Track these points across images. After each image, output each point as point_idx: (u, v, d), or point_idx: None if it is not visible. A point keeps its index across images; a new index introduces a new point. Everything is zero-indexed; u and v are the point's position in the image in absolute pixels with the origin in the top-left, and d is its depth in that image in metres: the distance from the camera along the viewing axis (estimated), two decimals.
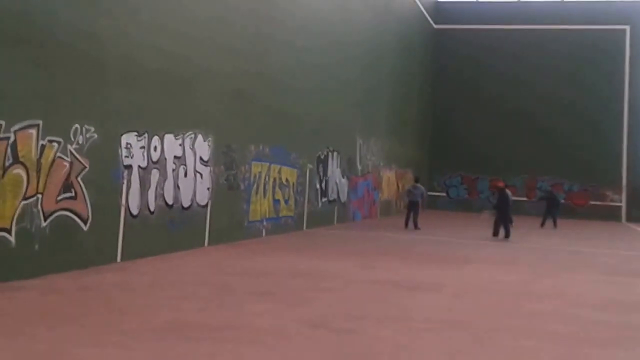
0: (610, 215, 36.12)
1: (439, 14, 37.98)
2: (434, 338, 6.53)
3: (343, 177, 22.33)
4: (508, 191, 26.40)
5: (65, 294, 8.03)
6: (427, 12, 35.81)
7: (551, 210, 25.85)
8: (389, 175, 28.71)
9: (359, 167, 24.18)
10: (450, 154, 38.08)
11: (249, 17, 14.98)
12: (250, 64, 15.09)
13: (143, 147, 11.29)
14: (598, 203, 36.83)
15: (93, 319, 6.72)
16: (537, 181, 37.48)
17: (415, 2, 32.59)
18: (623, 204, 36.69)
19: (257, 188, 15.81)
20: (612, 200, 36.93)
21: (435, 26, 37.65)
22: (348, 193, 22.93)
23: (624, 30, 35.51)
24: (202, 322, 6.71)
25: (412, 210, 21.47)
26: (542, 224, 26.03)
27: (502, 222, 19.23)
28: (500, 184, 20.82)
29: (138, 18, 11.08)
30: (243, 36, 14.75)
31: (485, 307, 8.37)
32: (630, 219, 35.87)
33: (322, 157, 20.30)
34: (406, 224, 21.51)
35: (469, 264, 12.89)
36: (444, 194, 38.43)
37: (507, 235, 19.04)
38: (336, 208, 21.77)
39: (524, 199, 37.36)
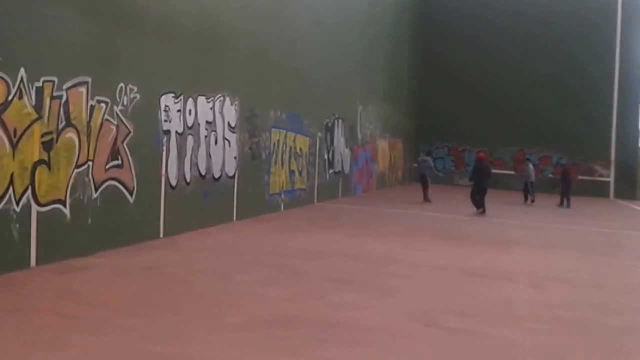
0: (598, 190, 36.40)
1: None
2: (566, 341, 6.13)
3: (346, 147, 22.00)
4: (531, 165, 26.63)
5: (137, 276, 7.56)
6: None
7: (564, 187, 25.53)
8: (383, 146, 28.49)
9: (359, 137, 23.87)
10: (438, 124, 38.01)
11: None
12: (268, 23, 14.56)
13: (179, 111, 10.75)
14: (586, 178, 37.24)
15: (188, 308, 6.29)
16: (525, 154, 37.77)
17: None
18: (611, 180, 37.21)
19: (276, 158, 15.36)
20: (600, 176, 37.39)
21: None
22: (350, 164, 22.62)
23: None
24: (303, 316, 6.28)
25: (422, 183, 22.21)
26: (568, 204, 25.17)
27: (477, 193, 19.13)
28: (481, 155, 20.50)
29: None
30: None
31: (580, 301, 8.00)
32: (618, 195, 36.36)
33: (330, 124, 19.92)
34: (424, 197, 22.36)
35: (512, 246, 12.61)
36: None
37: (477, 207, 18.95)
38: (341, 180, 21.46)
39: (512, 172, 37.73)
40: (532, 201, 25.31)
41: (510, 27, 36.86)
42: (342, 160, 21.48)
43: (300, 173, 17.17)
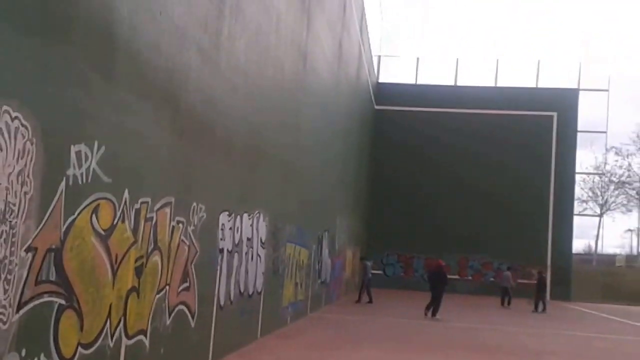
0: (535, 292, 36.66)
1: (378, 94, 38.31)
2: None
3: (329, 258, 21.23)
4: (508, 272, 27.08)
5: None
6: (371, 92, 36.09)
7: (540, 292, 25.94)
8: (349, 255, 27.84)
9: (337, 247, 23.17)
10: (388, 233, 37.74)
11: (291, 99, 13.99)
12: (293, 141, 14.03)
13: (231, 229, 9.85)
14: (525, 281, 37.48)
15: None
16: (469, 260, 37.93)
17: (367, 82, 32.75)
18: (548, 283, 37.55)
19: (287, 271, 14.44)
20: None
21: (375, 106, 37.88)
22: (330, 273, 21.79)
23: (551, 116, 37.37)
24: None
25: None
26: (544, 309, 25.50)
27: (434, 298, 19.21)
28: (440, 262, 20.59)
29: (236, 91, 9.82)
30: (287, 111, 13.72)
31: None
32: (554, 297, 36.66)
33: (320, 236, 19.19)
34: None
35: (542, 356, 12.03)
36: (380, 272, 37.78)
37: (433, 313, 19.03)
38: (324, 289, 20.53)
39: (456, 277, 37.64)
40: (509, 303, 26.12)
41: (456, 144, 37.74)
42: (326, 270, 20.66)
43: (301, 285, 16.23)
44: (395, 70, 43.74)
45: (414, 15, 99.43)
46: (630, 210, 60.25)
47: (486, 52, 79.41)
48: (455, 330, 15.98)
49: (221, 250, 9.41)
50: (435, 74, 41.90)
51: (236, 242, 10.17)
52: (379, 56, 39.77)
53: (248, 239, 10.88)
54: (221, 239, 9.36)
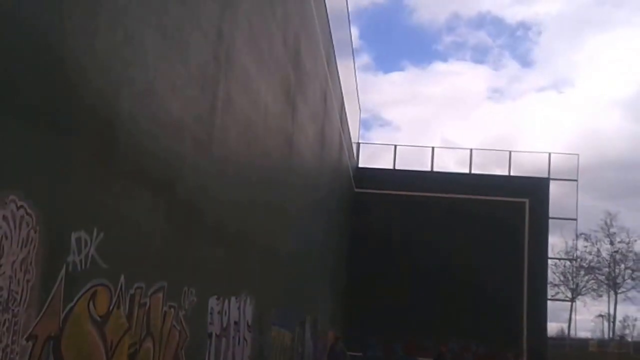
0: None
1: (358, 178, 38.62)
2: None
3: (310, 340, 20.87)
4: None
5: None
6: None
7: None
8: (330, 337, 27.30)
9: (319, 329, 22.82)
10: (367, 314, 37.22)
11: (277, 184, 14.14)
12: (277, 222, 14.07)
13: (219, 312, 9.73)
14: None
15: None
16: (447, 343, 37.35)
17: (348, 167, 33.21)
18: None
19: (272, 354, 14.15)
20: None
21: (355, 189, 38.12)
22: (313, 356, 21.37)
23: (524, 203, 37.86)
24: None
25: None
26: None
27: None
28: (442, 349, 20.99)
29: (226, 177, 9.95)
30: (273, 196, 13.83)
31: None
32: None
33: (303, 319, 18.94)
34: None
35: None
36: (360, 354, 37.04)
37: None
38: None
39: None
40: None
41: (433, 227, 37.70)
42: (309, 353, 20.26)
43: None
44: (374, 157, 44.52)
45: (392, 110, 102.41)
46: (600, 296, 60.22)
47: (460, 143, 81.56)
48: None
49: (210, 335, 9.27)
50: (412, 161, 42.64)
51: (224, 326, 10.03)
52: (359, 143, 40.49)
53: (235, 323, 10.72)
54: (210, 323, 9.24)
